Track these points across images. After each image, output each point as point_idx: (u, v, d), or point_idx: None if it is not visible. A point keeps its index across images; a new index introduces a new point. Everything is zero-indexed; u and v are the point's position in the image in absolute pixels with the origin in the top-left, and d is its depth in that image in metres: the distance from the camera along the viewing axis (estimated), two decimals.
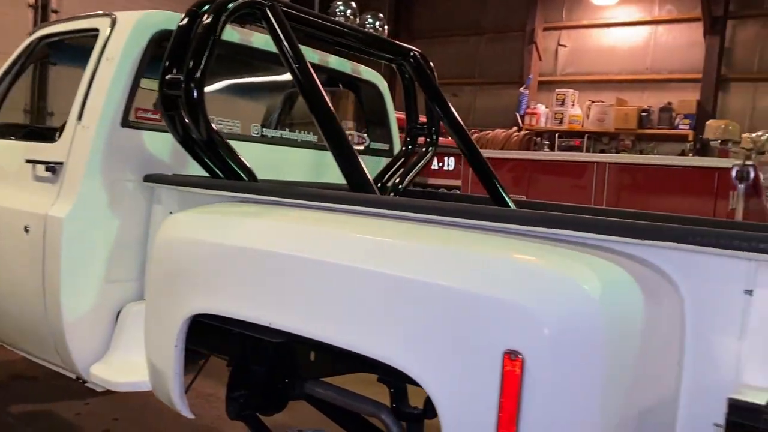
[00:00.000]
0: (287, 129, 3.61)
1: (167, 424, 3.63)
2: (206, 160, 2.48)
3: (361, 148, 3.88)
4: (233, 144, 2.55)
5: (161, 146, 2.71)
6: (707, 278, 1.54)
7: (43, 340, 2.68)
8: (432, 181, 7.99)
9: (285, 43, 2.57)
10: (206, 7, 2.49)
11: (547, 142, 11.35)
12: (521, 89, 12.28)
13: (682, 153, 10.38)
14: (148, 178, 2.63)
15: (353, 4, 3.31)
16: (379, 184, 3.63)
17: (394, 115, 4.04)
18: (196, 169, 2.56)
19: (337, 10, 3.27)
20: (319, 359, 2.09)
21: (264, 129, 3.34)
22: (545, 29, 12.79)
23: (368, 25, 3.45)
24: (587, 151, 11.04)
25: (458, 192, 6.96)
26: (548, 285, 1.42)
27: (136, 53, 2.62)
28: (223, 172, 2.48)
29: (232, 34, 2.98)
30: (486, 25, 13.51)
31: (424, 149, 3.76)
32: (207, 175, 2.51)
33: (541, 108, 11.96)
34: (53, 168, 2.65)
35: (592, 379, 1.38)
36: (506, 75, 13.03)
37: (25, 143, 2.91)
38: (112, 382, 2.48)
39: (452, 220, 1.79)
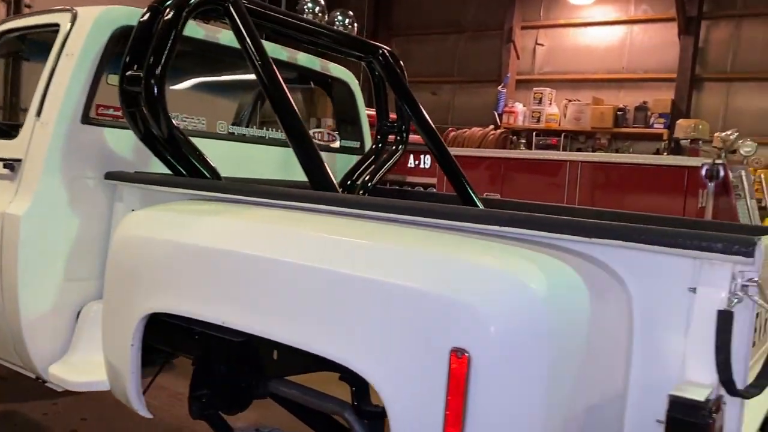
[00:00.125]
0: (260, 127, 3.58)
1: (136, 424, 3.60)
2: (168, 157, 2.46)
3: (337, 145, 3.87)
4: (198, 141, 2.53)
5: (123, 143, 2.68)
6: (653, 276, 1.56)
7: (1, 339, 2.64)
8: (409, 179, 7.99)
9: (248, 40, 2.55)
10: (168, 2, 2.47)
11: (524, 141, 11.41)
12: (499, 88, 12.34)
13: (657, 152, 10.48)
14: (110, 176, 2.60)
15: (321, 1, 3.30)
16: (348, 182, 3.63)
17: (365, 113, 4.04)
18: (159, 167, 2.54)
19: (306, 7, 3.25)
20: (282, 358, 2.07)
21: (232, 126, 3.31)
22: (523, 28, 12.87)
23: (337, 23, 3.44)
24: (564, 149, 11.11)
25: (434, 190, 6.97)
26: (494, 283, 1.43)
27: (96, 49, 2.59)
28: (186, 169, 2.46)
29: (197, 30, 2.95)
30: (465, 23, 13.56)
31: (394, 147, 3.76)
32: (170, 172, 2.50)
33: (519, 106, 12.03)
34: (11, 165, 2.61)
35: (537, 377, 1.38)
36: (485, 73, 13.10)
37: None
38: (70, 381, 2.45)
39: (405, 218, 1.79)
